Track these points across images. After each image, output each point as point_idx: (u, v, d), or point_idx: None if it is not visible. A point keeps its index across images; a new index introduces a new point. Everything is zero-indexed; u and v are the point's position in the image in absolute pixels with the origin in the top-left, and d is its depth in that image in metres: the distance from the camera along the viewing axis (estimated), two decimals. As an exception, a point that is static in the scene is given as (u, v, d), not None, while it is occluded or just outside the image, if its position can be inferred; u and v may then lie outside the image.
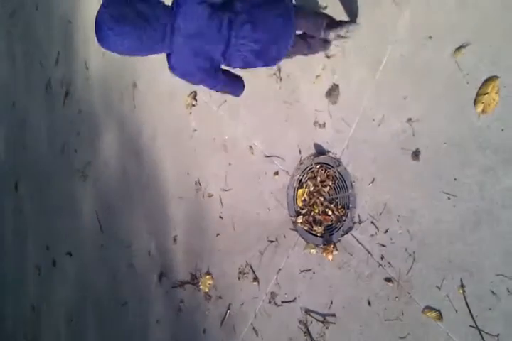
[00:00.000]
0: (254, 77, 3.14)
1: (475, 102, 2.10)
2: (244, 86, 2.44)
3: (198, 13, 1.98)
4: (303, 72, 2.83)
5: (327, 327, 2.71)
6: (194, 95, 3.66)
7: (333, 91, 2.68)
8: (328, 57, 2.68)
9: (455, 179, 2.17)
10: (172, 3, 1.98)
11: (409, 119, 2.33)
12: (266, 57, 2.22)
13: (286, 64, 2.93)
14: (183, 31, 1.98)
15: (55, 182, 5.72)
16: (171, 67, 2.16)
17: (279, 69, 2.97)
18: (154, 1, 1.94)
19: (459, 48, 2.14)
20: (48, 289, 5.89)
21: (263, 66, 2.32)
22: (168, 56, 2.12)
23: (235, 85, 2.41)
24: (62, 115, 5.51)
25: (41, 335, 6.08)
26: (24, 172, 6.55)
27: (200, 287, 3.59)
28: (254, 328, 3.17)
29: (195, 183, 3.68)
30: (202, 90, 3.60)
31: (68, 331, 5.47)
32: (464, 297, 2.14)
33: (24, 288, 6.55)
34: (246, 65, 2.25)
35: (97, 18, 1.87)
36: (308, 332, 2.81)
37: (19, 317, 6.72)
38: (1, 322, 7.33)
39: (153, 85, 4.12)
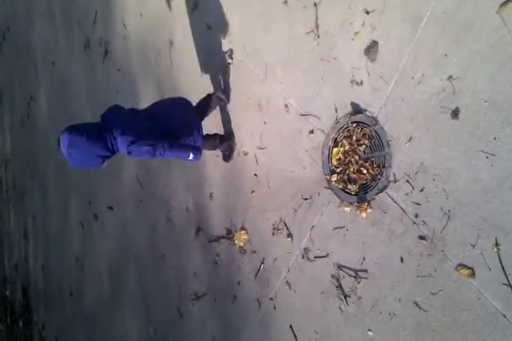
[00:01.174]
0: (291, 34, 3.11)
1: (519, 59, 2.05)
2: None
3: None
4: (341, 29, 2.78)
5: (359, 282, 2.78)
6: (230, 53, 3.65)
7: (372, 48, 2.63)
8: (368, 12, 2.62)
9: (495, 138, 2.14)
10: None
11: (450, 77, 2.28)
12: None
13: (324, 20, 2.89)
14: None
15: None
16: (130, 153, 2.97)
17: (317, 26, 2.92)
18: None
19: (505, 3, 2.06)
20: (91, 242, 6.15)
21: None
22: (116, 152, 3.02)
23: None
24: (102, 74, 5.59)
25: (85, 285, 6.41)
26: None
27: (235, 241, 3.70)
28: (287, 282, 3.28)
29: (231, 141, 3.73)
30: (238, 48, 3.59)
31: (110, 281, 5.75)
32: (498, 255, 2.15)
33: (68, 241, 6.86)
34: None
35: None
36: (340, 287, 2.89)
37: (64, 269, 7.08)
38: (47, 273, 7.74)
39: (190, 43, 4.12)
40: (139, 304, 5.13)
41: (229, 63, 3.70)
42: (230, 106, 3.73)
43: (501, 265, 2.14)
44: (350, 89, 2.77)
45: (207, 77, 3.95)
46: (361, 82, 2.71)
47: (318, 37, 2.94)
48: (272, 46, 3.29)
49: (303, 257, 3.15)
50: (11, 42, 9.00)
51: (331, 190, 2.96)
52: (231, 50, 3.65)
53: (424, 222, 2.44)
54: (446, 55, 2.30)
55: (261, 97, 3.44)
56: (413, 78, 2.44)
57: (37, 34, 7.54)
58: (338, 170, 2.93)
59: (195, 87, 4.09)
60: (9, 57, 9.04)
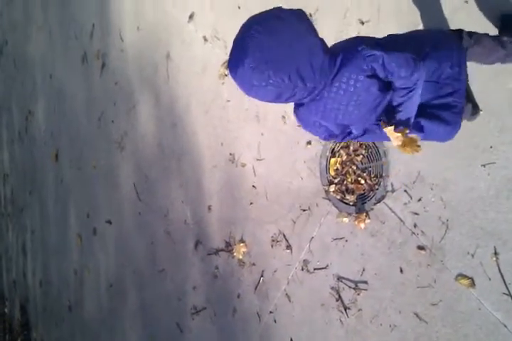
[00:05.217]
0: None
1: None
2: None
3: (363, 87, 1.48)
4: (337, 39, 2.79)
5: (359, 294, 2.75)
6: (227, 65, 3.66)
7: (367, 59, 2.64)
8: (363, 23, 2.63)
9: (491, 147, 2.14)
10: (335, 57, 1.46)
11: (445, 86, 2.28)
12: None
13: (319, 30, 2.89)
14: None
15: (93, 152, 5.87)
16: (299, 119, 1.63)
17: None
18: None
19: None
20: (90, 256, 6.12)
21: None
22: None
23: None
24: (99, 86, 5.61)
25: (83, 299, 6.36)
26: (63, 142, 6.73)
27: (235, 254, 3.67)
28: (287, 294, 3.25)
29: (229, 153, 3.72)
30: (235, 60, 3.60)
31: (109, 295, 5.70)
32: (497, 264, 2.14)
33: (67, 255, 6.82)
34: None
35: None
36: (340, 299, 2.86)
37: (63, 282, 7.03)
38: (47, 286, 7.69)
39: (187, 56, 4.14)
40: (139, 318, 5.08)
41: (226, 75, 3.71)
42: (227, 118, 3.73)
43: (501, 274, 2.12)
44: (346, 99, 2.77)
45: (204, 90, 3.96)
46: (357, 93, 2.71)
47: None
48: (267, 58, 3.30)
49: (302, 269, 3.13)
50: (9, 55, 9.06)
51: (329, 200, 2.95)
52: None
53: (422, 231, 2.42)
54: (440, 65, 2.30)
55: (258, 109, 3.45)
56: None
57: (35, 47, 7.59)
58: (335, 180, 2.92)
59: (193, 99, 4.10)
60: (7, 70, 9.09)
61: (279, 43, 1.33)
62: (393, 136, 1.53)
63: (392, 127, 1.52)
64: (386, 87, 1.49)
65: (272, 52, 1.32)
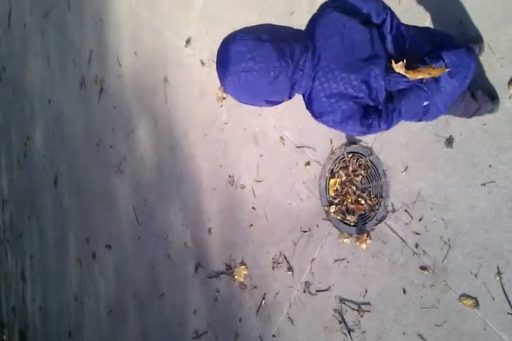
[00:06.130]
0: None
1: (509, 84, 2.07)
2: None
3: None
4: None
5: (362, 316, 2.72)
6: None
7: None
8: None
9: (490, 166, 2.14)
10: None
11: (442, 106, 2.30)
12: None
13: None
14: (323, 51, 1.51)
15: (92, 177, 5.87)
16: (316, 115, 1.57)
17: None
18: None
19: (491, 32, 2.10)
20: (89, 281, 6.06)
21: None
22: (309, 95, 1.55)
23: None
24: (98, 111, 5.64)
25: (83, 324, 6.28)
26: (62, 167, 6.73)
27: (236, 277, 3.64)
28: (289, 317, 3.21)
29: (228, 175, 3.72)
30: (232, 83, 3.63)
31: (109, 320, 5.63)
32: (501, 284, 2.12)
33: (67, 280, 6.75)
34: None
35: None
36: (343, 321, 2.82)
37: (62, 309, 6.94)
38: (46, 312, 7.60)
39: (184, 79, 4.18)
40: (139, 344, 5.01)
41: (224, 98, 3.74)
42: (225, 140, 3.74)
43: (505, 294, 2.10)
44: (344, 120, 2.78)
45: (202, 113, 3.98)
46: (354, 113, 2.72)
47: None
48: (264, 80, 3.33)
49: (304, 291, 3.09)
50: (7, 81, 9.13)
51: (330, 221, 2.94)
52: (225, 85, 3.69)
53: (424, 251, 2.41)
54: (436, 85, 2.32)
55: (257, 130, 3.46)
56: (405, 108, 2.46)
57: (33, 73, 7.65)
58: (335, 201, 2.91)
59: (192, 122, 4.12)
60: (5, 96, 9.15)
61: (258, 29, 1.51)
62: (397, 68, 1.50)
63: (399, 63, 1.50)
64: (365, 21, 1.55)
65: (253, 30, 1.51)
